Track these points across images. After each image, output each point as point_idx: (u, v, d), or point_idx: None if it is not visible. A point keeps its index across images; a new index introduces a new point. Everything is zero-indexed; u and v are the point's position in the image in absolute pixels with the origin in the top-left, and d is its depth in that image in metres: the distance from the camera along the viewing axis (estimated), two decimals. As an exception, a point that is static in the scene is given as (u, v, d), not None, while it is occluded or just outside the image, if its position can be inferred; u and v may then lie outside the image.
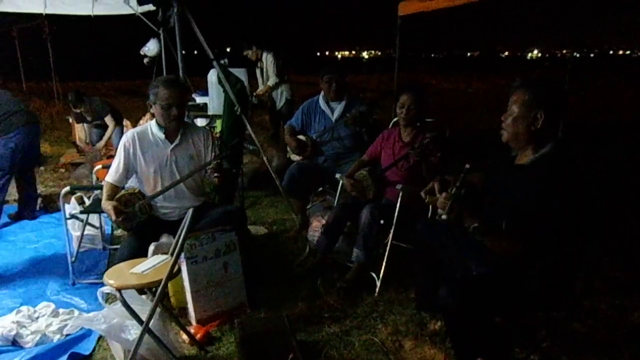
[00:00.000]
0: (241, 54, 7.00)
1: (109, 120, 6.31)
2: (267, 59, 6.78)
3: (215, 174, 2.97)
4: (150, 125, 3.11)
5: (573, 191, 1.94)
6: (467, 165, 2.02)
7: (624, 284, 3.21)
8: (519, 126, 2.08)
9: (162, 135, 3.07)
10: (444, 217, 1.92)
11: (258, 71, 7.08)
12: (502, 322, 2.23)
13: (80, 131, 6.63)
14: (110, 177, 3.07)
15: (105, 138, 6.33)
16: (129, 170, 3.09)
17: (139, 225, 2.96)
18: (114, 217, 2.86)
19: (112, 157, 3.24)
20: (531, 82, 2.09)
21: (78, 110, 6.29)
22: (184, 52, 4.43)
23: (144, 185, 3.13)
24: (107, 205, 2.90)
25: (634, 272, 3.36)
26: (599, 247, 3.48)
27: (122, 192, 3.00)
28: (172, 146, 3.08)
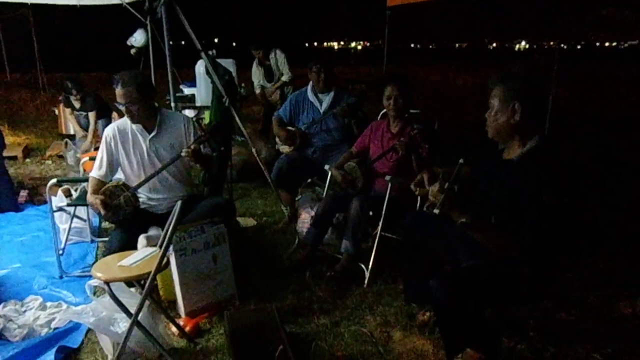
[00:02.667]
0: (250, 53, 6.79)
1: (92, 115, 6.32)
2: (278, 56, 6.64)
3: (192, 158, 2.92)
4: None
5: (561, 185, 1.95)
6: (461, 160, 2.03)
7: (611, 275, 3.25)
8: (499, 120, 2.09)
9: (139, 127, 3.05)
10: (436, 211, 1.92)
11: (259, 71, 6.90)
12: (490, 312, 2.25)
13: (71, 118, 6.61)
14: (95, 172, 3.05)
15: (89, 136, 6.30)
16: (112, 164, 3.07)
17: (126, 217, 2.94)
18: (101, 211, 2.84)
19: (99, 149, 3.22)
20: (506, 75, 2.11)
21: (74, 97, 6.25)
22: (171, 42, 4.38)
23: (129, 178, 3.10)
24: (92, 199, 2.89)
25: (620, 264, 3.40)
26: (586, 239, 3.52)
27: (107, 185, 2.98)
28: (149, 137, 3.05)
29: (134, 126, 3.05)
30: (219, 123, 3.93)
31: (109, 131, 3.08)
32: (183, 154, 2.91)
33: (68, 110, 6.63)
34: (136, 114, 2.95)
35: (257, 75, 6.93)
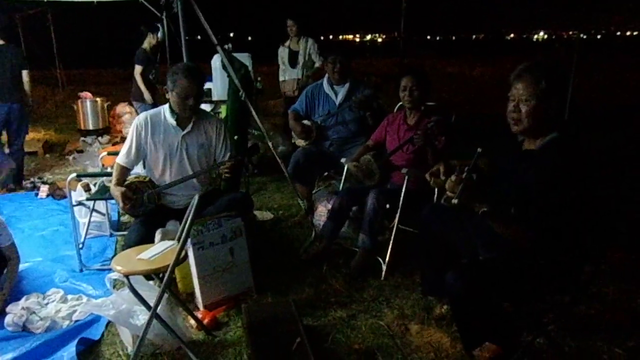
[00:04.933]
0: (250, 32, 6.58)
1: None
2: (309, 44, 6.38)
3: (227, 172, 2.97)
4: (163, 110, 3.10)
5: (582, 175, 1.92)
6: (479, 150, 1.99)
7: (630, 269, 3.21)
8: (539, 116, 2.02)
9: (174, 122, 3.05)
10: (454, 201, 1.89)
11: (283, 51, 6.57)
12: (508, 306, 2.24)
13: (141, 80, 6.00)
14: (121, 159, 3.05)
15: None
16: (139, 153, 3.08)
17: (145, 212, 2.97)
18: (121, 204, 2.87)
19: (117, 143, 3.25)
20: (542, 68, 2.02)
21: (154, 41, 6.01)
22: (187, 37, 4.40)
23: (152, 170, 3.12)
24: (115, 191, 2.91)
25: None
26: (605, 231, 3.47)
27: (132, 179, 3.00)
28: (183, 133, 3.06)
29: (168, 118, 3.06)
30: (256, 144, 3.93)
31: (140, 119, 3.08)
32: (221, 170, 2.98)
33: (139, 70, 5.95)
34: (196, 106, 3.01)
35: (281, 55, 6.64)
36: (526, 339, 2.37)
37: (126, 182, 2.96)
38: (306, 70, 6.43)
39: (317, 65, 6.40)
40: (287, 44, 6.56)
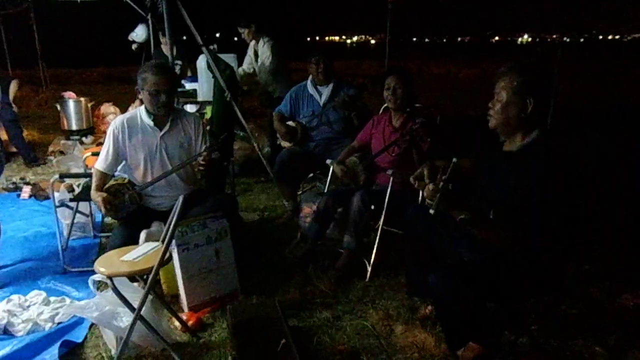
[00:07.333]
0: (236, 32, 6.10)
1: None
2: (264, 47, 5.63)
3: (201, 166, 2.95)
4: (139, 112, 3.07)
5: (562, 178, 1.95)
6: (455, 160, 2.02)
7: (613, 268, 3.25)
8: (509, 113, 2.07)
9: (151, 122, 3.02)
10: (431, 211, 1.92)
11: (248, 57, 5.99)
12: (492, 306, 2.26)
13: None
14: (100, 164, 3.03)
15: None
16: (118, 157, 3.05)
17: (128, 213, 2.94)
18: (103, 209, 2.84)
19: (101, 144, 3.21)
20: (519, 67, 2.08)
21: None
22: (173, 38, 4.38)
23: (133, 173, 3.10)
24: (96, 196, 2.88)
25: (623, 257, 3.40)
26: (588, 232, 3.52)
27: (111, 182, 2.97)
28: (161, 133, 3.04)
29: (145, 120, 3.03)
30: (230, 133, 3.92)
31: (117, 123, 3.04)
32: (200, 160, 2.93)
33: None
34: (169, 102, 2.97)
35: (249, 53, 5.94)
36: (509, 338, 2.40)
37: (105, 186, 2.93)
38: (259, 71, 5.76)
39: (267, 65, 5.57)
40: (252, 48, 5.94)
